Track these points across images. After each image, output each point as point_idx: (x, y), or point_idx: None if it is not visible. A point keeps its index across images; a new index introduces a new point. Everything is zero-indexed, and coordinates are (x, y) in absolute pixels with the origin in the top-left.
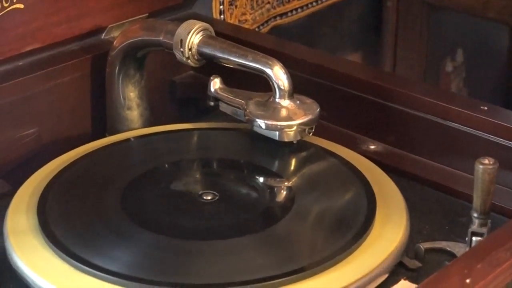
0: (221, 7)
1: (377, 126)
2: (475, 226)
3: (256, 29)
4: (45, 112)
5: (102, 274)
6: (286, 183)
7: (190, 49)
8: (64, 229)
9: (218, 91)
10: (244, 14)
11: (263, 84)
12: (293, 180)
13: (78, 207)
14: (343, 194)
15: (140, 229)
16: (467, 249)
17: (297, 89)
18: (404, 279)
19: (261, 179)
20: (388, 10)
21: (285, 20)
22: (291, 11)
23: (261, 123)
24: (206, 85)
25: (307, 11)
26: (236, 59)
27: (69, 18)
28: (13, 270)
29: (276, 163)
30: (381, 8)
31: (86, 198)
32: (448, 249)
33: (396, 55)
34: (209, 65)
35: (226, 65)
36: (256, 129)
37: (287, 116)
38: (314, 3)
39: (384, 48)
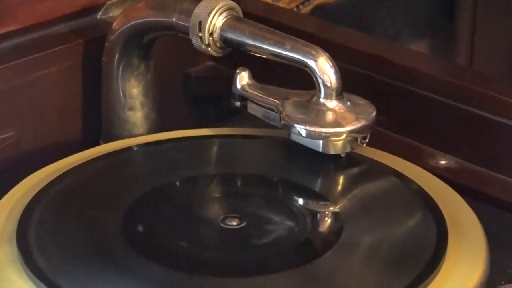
0: None
1: (450, 136)
2: None
3: (295, 8)
4: (26, 111)
5: None
6: (332, 207)
7: (211, 34)
8: (51, 260)
9: (246, 88)
10: None
11: (304, 80)
12: (341, 203)
13: (67, 232)
14: (405, 222)
15: (146, 262)
16: None
17: (347, 87)
18: None
19: (300, 202)
20: None
21: None
22: None
23: (300, 129)
24: (230, 80)
25: None
26: (270, 48)
27: None
28: None
29: (319, 181)
30: None
31: (78, 222)
32: None
33: (474, 44)
34: (234, 55)
35: (256, 55)
36: (294, 137)
37: (334, 121)
38: None
39: (458, 35)
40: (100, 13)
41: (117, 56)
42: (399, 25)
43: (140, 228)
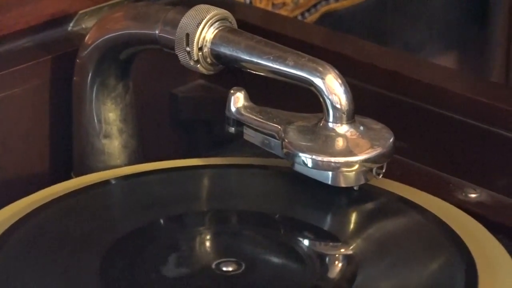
0: None
1: (481, 164)
2: None
3: (299, 17)
4: None
5: None
6: (344, 249)
7: (200, 49)
8: None
9: (242, 111)
10: None
11: (310, 101)
12: (355, 244)
13: (35, 282)
14: (429, 265)
15: None
16: None
17: (360, 109)
18: None
19: (306, 243)
20: None
21: (342, 3)
22: None
23: (306, 159)
24: (224, 102)
25: None
26: (270, 64)
27: None
28: None
29: (329, 219)
30: None
31: (48, 270)
32: None
33: (510, 57)
34: (227, 72)
35: (253, 72)
36: (298, 168)
37: (346, 149)
38: None
39: (491, 46)
40: (71, 25)
41: (90, 75)
42: (423, 34)
43: (121, 276)
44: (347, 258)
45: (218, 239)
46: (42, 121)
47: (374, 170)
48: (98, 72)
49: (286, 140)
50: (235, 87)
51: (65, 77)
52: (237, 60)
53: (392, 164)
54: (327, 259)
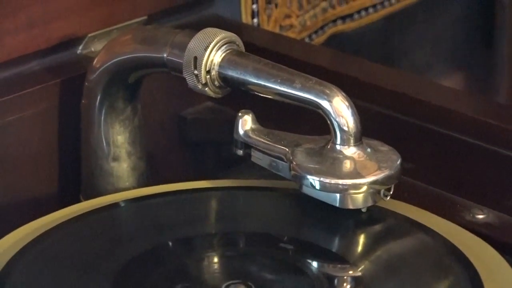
0: (254, 6)
1: (488, 185)
2: None
3: (307, 39)
4: None
5: None
6: (352, 271)
7: (208, 72)
8: None
9: (250, 134)
10: (288, 16)
11: (317, 123)
12: (363, 266)
13: None
14: (437, 286)
15: None
16: None
17: (367, 131)
18: None
19: (315, 265)
20: (503, 8)
21: (349, 25)
22: (358, 12)
23: (314, 181)
24: (231, 124)
25: (382, 12)
26: (277, 87)
27: (29, 22)
28: None
29: (337, 240)
30: (493, 5)
31: None
32: None
33: None
34: (236, 95)
35: (261, 95)
36: (306, 190)
37: (353, 171)
38: (393, 0)
39: (498, 67)
40: (80, 48)
41: (99, 98)
42: (429, 55)
43: None
44: (355, 280)
45: (227, 261)
46: (51, 144)
47: (381, 192)
48: (106, 95)
49: (294, 163)
50: (243, 110)
51: (74, 100)
52: (245, 83)
53: (399, 185)
54: (335, 280)
